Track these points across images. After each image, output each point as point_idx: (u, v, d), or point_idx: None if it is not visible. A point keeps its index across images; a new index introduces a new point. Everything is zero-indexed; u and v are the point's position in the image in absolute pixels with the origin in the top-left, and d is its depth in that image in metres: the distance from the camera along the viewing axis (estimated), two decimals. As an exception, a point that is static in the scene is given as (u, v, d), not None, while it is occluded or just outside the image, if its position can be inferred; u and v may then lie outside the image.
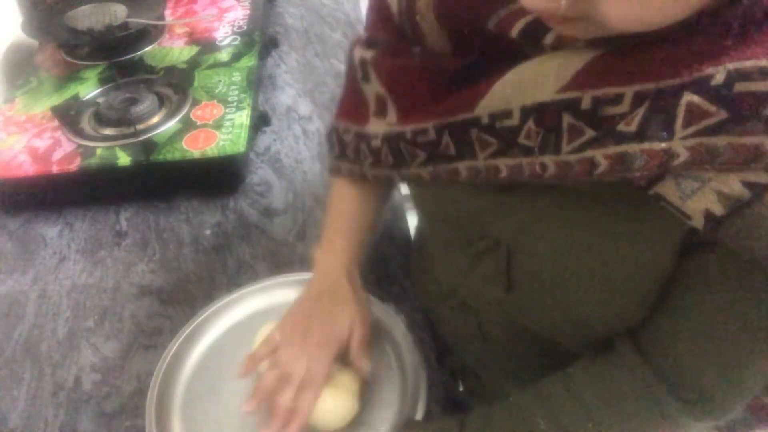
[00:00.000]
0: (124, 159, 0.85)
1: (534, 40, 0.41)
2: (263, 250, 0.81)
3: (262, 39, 1.09)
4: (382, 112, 0.57)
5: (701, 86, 0.34)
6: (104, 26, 1.03)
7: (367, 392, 0.62)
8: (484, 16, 0.43)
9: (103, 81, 1.01)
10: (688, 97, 0.35)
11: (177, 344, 0.67)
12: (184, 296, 0.76)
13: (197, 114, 0.91)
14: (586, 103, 0.38)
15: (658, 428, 0.48)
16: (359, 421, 0.61)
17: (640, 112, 0.36)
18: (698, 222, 0.38)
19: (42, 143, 0.89)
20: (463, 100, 0.46)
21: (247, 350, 0.63)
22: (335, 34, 1.24)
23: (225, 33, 1.10)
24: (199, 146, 0.85)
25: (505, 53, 0.43)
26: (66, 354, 0.71)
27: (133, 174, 0.86)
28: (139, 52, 1.06)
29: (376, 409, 0.62)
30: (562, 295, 0.48)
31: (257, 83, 1.00)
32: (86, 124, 0.92)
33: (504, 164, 0.45)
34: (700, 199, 0.37)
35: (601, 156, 0.39)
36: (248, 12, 1.16)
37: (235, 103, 0.92)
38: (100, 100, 0.95)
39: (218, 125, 0.89)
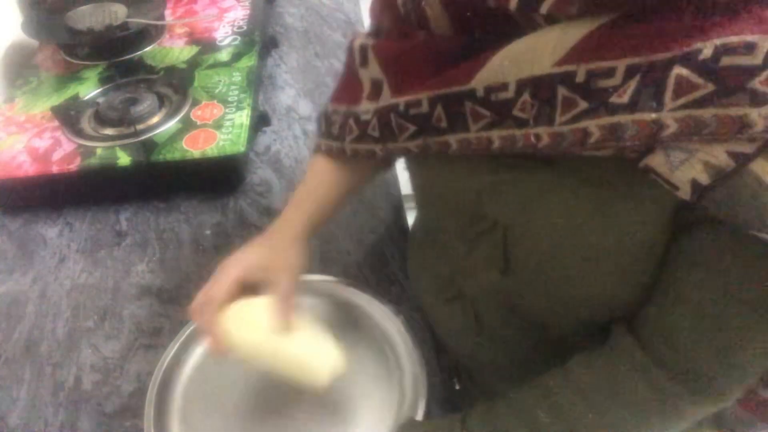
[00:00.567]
0: (124, 159, 0.85)
1: (531, 9, 0.42)
2: (263, 250, 0.81)
3: (262, 39, 1.09)
4: (375, 95, 0.57)
5: (690, 60, 0.36)
6: (104, 26, 1.03)
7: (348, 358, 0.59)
8: None
9: (103, 81, 1.01)
10: (678, 70, 0.36)
11: (177, 345, 0.67)
12: (184, 296, 0.76)
13: (197, 114, 0.91)
14: (580, 76, 0.40)
15: (661, 417, 0.48)
16: (359, 421, 0.61)
17: (632, 84, 0.38)
18: (685, 192, 0.39)
19: (42, 143, 0.89)
20: (460, 72, 0.47)
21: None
22: (335, 34, 1.24)
23: (225, 33, 1.10)
24: (199, 146, 0.85)
25: (505, 34, 0.44)
26: (66, 354, 0.71)
27: (133, 174, 0.86)
28: (139, 52, 1.06)
29: (377, 409, 0.62)
30: (558, 275, 0.49)
31: (257, 83, 1.00)
32: (86, 124, 0.92)
33: (497, 135, 0.46)
34: (687, 170, 0.38)
35: (594, 126, 0.40)
36: (248, 12, 1.16)
37: (235, 103, 0.93)
38: (100, 100, 0.95)
39: (218, 125, 0.89)
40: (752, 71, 0.34)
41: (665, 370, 0.47)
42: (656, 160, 0.40)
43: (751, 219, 0.38)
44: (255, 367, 0.59)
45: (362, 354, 0.66)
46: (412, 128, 0.53)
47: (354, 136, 0.60)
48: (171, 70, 1.02)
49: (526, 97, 0.43)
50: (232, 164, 0.87)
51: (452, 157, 0.52)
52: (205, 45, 1.07)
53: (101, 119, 0.91)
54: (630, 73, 0.38)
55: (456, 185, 0.55)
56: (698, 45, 0.35)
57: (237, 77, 0.98)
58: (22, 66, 1.13)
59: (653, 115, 0.37)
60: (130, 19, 1.05)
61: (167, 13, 1.17)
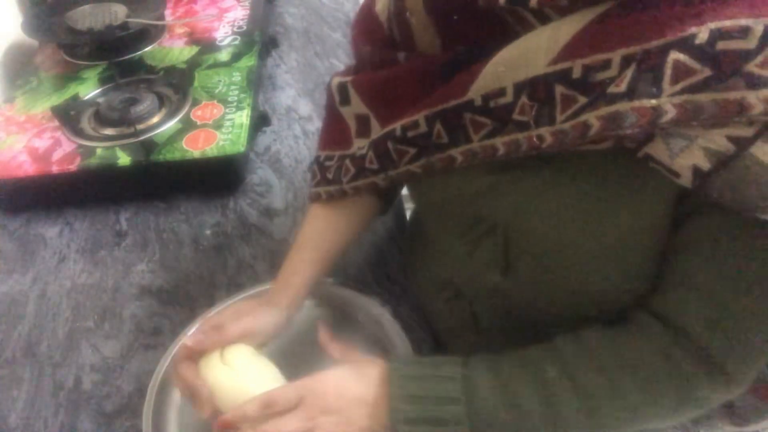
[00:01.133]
0: (124, 159, 0.85)
1: (520, 4, 0.42)
2: (263, 250, 0.81)
3: (262, 39, 1.09)
4: (365, 131, 0.58)
5: (686, 45, 0.36)
6: (104, 26, 1.03)
7: None
8: None
9: (103, 81, 1.01)
10: (674, 55, 0.36)
11: (176, 346, 0.67)
12: (184, 296, 0.76)
13: (197, 114, 0.91)
14: (576, 72, 0.40)
15: (674, 395, 0.48)
16: None
17: (628, 73, 0.38)
18: (686, 178, 0.39)
19: (42, 143, 0.89)
20: (455, 86, 0.47)
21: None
22: (335, 34, 1.24)
23: (225, 33, 1.10)
24: (199, 146, 0.85)
25: (495, 36, 0.45)
26: (66, 354, 0.71)
27: (133, 174, 0.86)
28: (139, 52, 1.06)
29: None
30: (560, 273, 0.49)
31: (257, 83, 1.00)
32: (86, 124, 0.92)
33: (501, 142, 0.46)
34: (688, 156, 0.39)
35: (593, 118, 0.40)
36: (248, 12, 1.16)
37: (235, 103, 0.92)
38: (100, 100, 0.95)
39: (218, 125, 0.89)
40: (748, 54, 0.35)
41: (682, 350, 0.47)
42: (656, 148, 0.40)
43: (754, 202, 0.38)
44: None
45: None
46: (412, 151, 0.53)
47: (351, 175, 0.60)
48: (171, 70, 1.02)
49: (524, 99, 0.43)
50: (232, 164, 0.87)
51: (452, 167, 0.51)
52: (205, 45, 1.07)
53: (101, 119, 0.91)
54: (626, 62, 0.38)
55: (454, 189, 0.55)
56: (693, 29, 0.36)
57: (237, 77, 0.98)
58: (22, 66, 1.13)
59: (653, 101, 0.37)
60: (130, 19, 1.05)
61: (167, 13, 1.17)
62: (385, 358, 0.55)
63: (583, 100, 0.40)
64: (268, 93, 1.08)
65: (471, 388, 0.49)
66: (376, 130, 0.56)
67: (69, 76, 1.04)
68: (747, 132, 0.36)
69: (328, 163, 0.64)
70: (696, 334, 0.46)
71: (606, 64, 0.39)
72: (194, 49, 1.06)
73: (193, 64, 1.03)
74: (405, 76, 0.52)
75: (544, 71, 0.42)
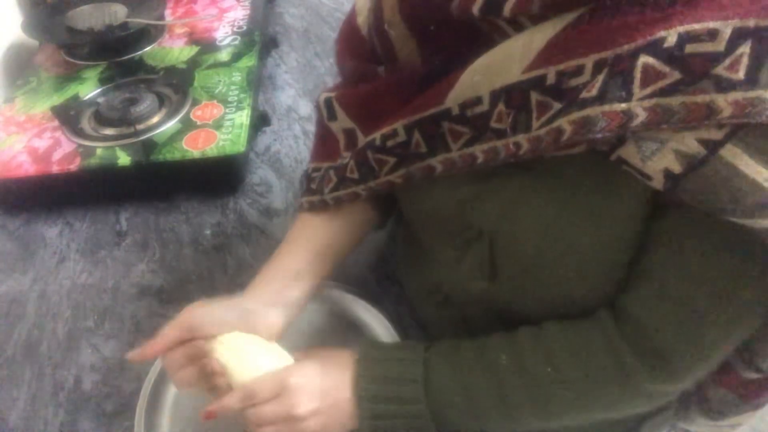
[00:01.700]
0: (124, 159, 0.85)
1: (494, 13, 0.43)
2: (263, 250, 0.81)
3: (262, 39, 1.09)
4: (352, 145, 0.58)
5: (655, 49, 0.36)
6: (104, 26, 1.03)
7: None
8: (446, 2, 0.45)
9: (103, 81, 1.01)
10: (644, 59, 0.37)
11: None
12: (184, 296, 0.76)
13: (197, 114, 0.91)
14: (550, 79, 0.41)
15: (620, 389, 0.49)
16: None
17: (600, 78, 0.38)
18: (658, 182, 0.40)
19: (42, 143, 0.89)
20: (432, 95, 0.48)
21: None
22: (335, 34, 1.24)
23: (225, 33, 1.10)
24: (199, 146, 0.85)
25: (472, 45, 0.45)
26: (66, 354, 0.71)
27: (133, 174, 0.86)
28: (139, 52, 1.07)
29: None
30: (544, 277, 0.49)
31: (257, 83, 1.00)
32: (86, 124, 0.92)
33: (479, 150, 0.47)
34: (659, 159, 0.39)
35: (566, 123, 0.40)
36: (248, 12, 1.16)
37: (235, 103, 0.93)
38: (100, 100, 0.95)
39: (218, 125, 0.89)
40: (716, 58, 0.35)
41: (629, 346, 0.48)
42: (628, 152, 0.40)
43: (724, 205, 0.38)
44: None
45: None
46: (392, 161, 0.54)
47: (332, 185, 0.60)
48: (171, 70, 1.02)
49: (500, 107, 0.44)
50: (232, 164, 0.87)
51: (432, 176, 0.52)
52: (205, 45, 1.07)
53: (101, 119, 0.91)
54: (598, 67, 0.38)
55: (437, 199, 0.55)
56: (662, 33, 0.36)
57: (237, 77, 0.98)
58: (22, 66, 1.13)
59: (623, 105, 0.38)
60: (130, 19, 1.05)
61: (167, 13, 1.17)
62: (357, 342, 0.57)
63: (557, 106, 0.41)
64: (268, 93, 1.08)
65: (429, 371, 0.53)
66: (361, 142, 0.56)
67: (69, 76, 1.04)
68: (717, 135, 0.36)
69: (315, 174, 0.64)
70: (650, 328, 0.46)
71: (579, 70, 0.39)
72: (194, 49, 1.06)
73: (193, 64, 1.03)
74: (386, 89, 0.53)
75: (519, 78, 0.42)
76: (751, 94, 0.34)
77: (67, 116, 0.92)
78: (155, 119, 0.91)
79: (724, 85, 0.35)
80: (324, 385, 0.53)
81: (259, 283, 0.60)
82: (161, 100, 0.94)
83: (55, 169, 0.84)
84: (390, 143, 0.52)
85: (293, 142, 0.98)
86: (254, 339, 0.56)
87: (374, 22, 0.54)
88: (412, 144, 0.51)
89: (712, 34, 0.35)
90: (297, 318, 0.60)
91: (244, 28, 1.11)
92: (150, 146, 0.86)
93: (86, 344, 0.72)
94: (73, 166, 0.84)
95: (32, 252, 0.84)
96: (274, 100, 1.07)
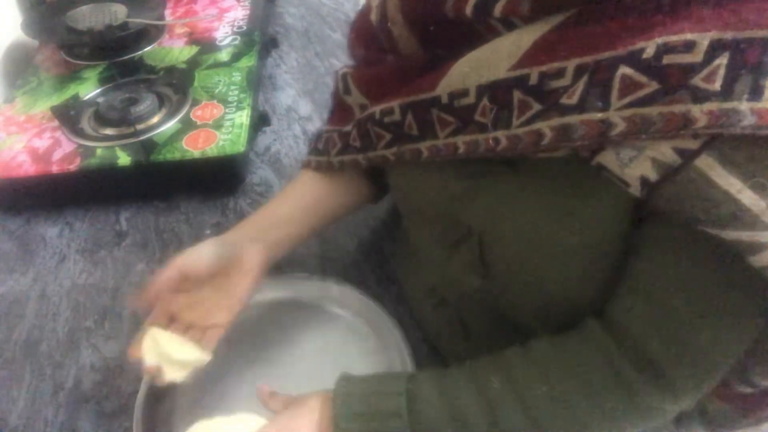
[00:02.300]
0: (124, 159, 0.85)
1: (486, 14, 0.44)
2: (263, 250, 0.81)
3: (262, 39, 1.09)
4: None
5: (634, 59, 0.37)
6: (104, 26, 1.03)
7: None
8: (442, 3, 0.47)
9: (103, 81, 1.01)
10: (623, 70, 0.37)
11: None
12: (184, 296, 0.76)
13: (197, 114, 0.91)
14: (533, 79, 0.41)
15: (615, 403, 0.47)
16: None
17: (581, 85, 0.39)
18: (635, 188, 0.40)
19: (42, 143, 0.89)
20: (425, 81, 0.50)
21: (242, 354, 0.64)
22: (335, 34, 1.24)
23: (225, 33, 1.10)
24: (199, 146, 0.85)
25: (468, 43, 0.46)
26: (66, 354, 0.71)
27: (133, 174, 0.86)
28: (139, 52, 1.07)
29: None
30: (533, 276, 0.49)
31: (257, 83, 1.00)
32: (86, 124, 0.92)
33: (462, 141, 0.48)
34: (636, 166, 0.39)
35: (546, 127, 0.41)
36: (248, 12, 1.16)
37: (235, 103, 0.93)
38: (100, 100, 0.95)
39: (218, 125, 0.89)
40: (693, 68, 0.35)
41: (625, 356, 0.46)
42: (607, 158, 0.41)
43: (698, 214, 0.38)
44: None
45: (353, 357, 0.66)
46: (387, 136, 0.55)
47: (338, 149, 0.63)
48: (171, 70, 1.02)
49: (485, 102, 0.45)
50: (232, 164, 0.87)
51: (425, 166, 0.53)
52: (205, 45, 1.07)
53: (101, 119, 0.91)
54: (579, 72, 0.39)
55: (430, 194, 0.56)
56: (641, 44, 0.37)
57: (237, 77, 0.98)
58: (22, 66, 1.13)
59: (600, 115, 0.38)
60: (130, 19, 1.05)
61: (167, 13, 1.17)
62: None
63: (537, 107, 0.42)
64: (268, 93, 1.08)
65: (414, 403, 0.50)
66: None
67: (69, 76, 1.04)
68: (693, 144, 0.37)
69: (324, 136, 0.67)
70: (639, 339, 0.45)
71: (560, 73, 0.40)
72: (194, 49, 1.06)
73: (193, 64, 1.03)
74: (390, 71, 0.56)
75: (505, 76, 0.43)
76: (727, 105, 0.35)
77: (67, 116, 0.92)
78: (155, 119, 0.91)
79: (700, 96, 0.35)
80: (302, 425, 0.51)
81: (246, 222, 0.64)
82: (161, 100, 0.94)
83: (55, 169, 0.84)
84: (387, 119, 0.54)
85: (293, 142, 0.98)
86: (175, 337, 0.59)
87: (380, 19, 0.55)
88: (405, 125, 0.53)
89: (689, 46, 0.35)
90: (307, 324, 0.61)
91: (244, 28, 1.11)
92: (150, 146, 0.86)
93: (86, 344, 0.72)
94: (73, 166, 0.84)
95: (32, 252, 0.84)
96: (274, 100, 1.07)
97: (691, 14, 0.36)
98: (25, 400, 0.67)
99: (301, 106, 1.05)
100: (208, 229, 0.85)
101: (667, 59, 0.36)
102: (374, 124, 0.56)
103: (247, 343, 0.67)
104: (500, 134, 0.44)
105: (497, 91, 0.44)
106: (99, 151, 0.86)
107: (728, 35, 0.35)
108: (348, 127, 0.61)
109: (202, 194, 0.89)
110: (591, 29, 0.39)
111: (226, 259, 0.59)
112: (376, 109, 0.55)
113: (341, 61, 1.16)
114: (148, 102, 0.91)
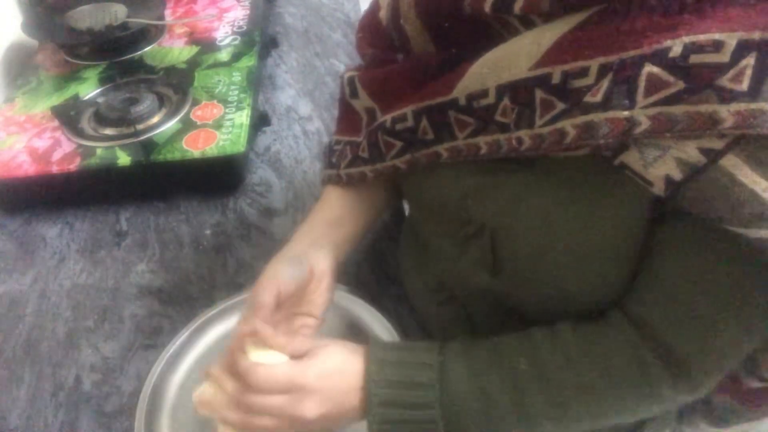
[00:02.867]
0: (124, 159, 0.85)
1: (505, 11, 0.43)
2: (263, 250, 0.81)
3: (262, 39, 1.09)
4: (373, 123, 0.59)
5: (660, 58, 0.37)
6: (104, 26, 1.03)
7: None
8: (459, 1, 0.46)
9: (103, 81, 1.01)
10: (649, 68, 0.37)
11: (174, 347, 0.67)
12: (184, 296, 0.76)
13: (197, 114, 0.91)
14: (556, 78, 0.41)
15: (637, 392, 0.48)
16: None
17: (605, 83, 0.39)
18: (659, 188, 0.40)
19: (42, 143, 0.89)
20: (441, 84, 0.49)
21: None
22: (335, 34, 1.24)
23: (225, 33, 1.10)
24: (199, 146, 0.85)
25: (483, 41, 0.46)
26: (66, 354, 0.71)
27: (133, 174, 0.86)
28: (139, 52, 1.07)
29: None
30: (546, 274, 0.50)
31: (257, 83, 1.00)
32: (86, 124, 0.92)
33: (483, 141, 0.48)
34: (660, 166, 0.39)
35: (569, 126, 0.41)
36: (248, 12, 1.16)
37: (235, 103, 0.93)
38: (100, 100, 0.95)
39: (218, 125, 0.89)
40: (720, 68, 0.35)
41: (649, 348, 0.47)
42: (630, 158, 0.41)
43: (722, 213, 0.38)
44: None
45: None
46: (398, 144, 0.55)
47: (347, 161, 0.63)
48: (171, 70, 1.02)
49: (506, 101, 0.45)
50: (232, 164, 0.87)
51: (437, 163, 0.53)
52: (205, 45, 1.07)
53: (101, 119, 0.91)
54: (603, 71, 0.39)
55: (442, 190, 0.56)
56: (668, 43, 0.36)
57: (237, 77, 0.98)
58: (22, 66, 1.13)
59: (625, 113, 0.38)
60: (130, 19, 1.05)
61: (167, 13, 1.17)
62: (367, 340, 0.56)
63: (561, 106, 0.41)
64: (268, 93, 1.08)
65: (445, 375, 0.51)
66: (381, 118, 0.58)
67: (69, 76, 1.04)
68: (718, 144, 0.37)
69: (336, 148, 0.67)
70: (662, 334, 0.46)
71: (584, 72, 0.40)
72: (194, 49, 1.06)
73: (193, 64, 1.03)
74: (401, 73, 0.55)
75: (525, 75, 0.43)
76: (754, 105, 0.35)
77: (67, 116, 0.92)
78: (155, 119, 0.91)
79: (726, 96, 0.35)
80: (336, 387, 0.52)
81: (299, 236, 0.63)
82: (161, 100, 0.94)
83: (55, 169, 0.84)
84: (399, 127, 0.53)
85: (293, 142, 0.98)
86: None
87: (392, 17, 0.55)
88: (419, 130, 0.52)
89: (717, 46, 0.35)
90: None
91: (244, 28, 1.11)
92: (150, 146, 0.86)
93: (86, 344, 0.72)
94: (73, 166, 0.84)
95: (32, 252, 0.84)
96: (274, 100, 1.07)
97: (717, 14, 0.36)
98: (25, 400, 0.67)
99: (301, 106, 1.05)
100: (208, 229, 0.85)
101: (694, 58, 0.36)
102: (384, 133, 0.55)
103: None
104: (523, 134, 0.44)
105: (518, 91, 0.44)
106: (99, 151, 0.86)
107: (756, 35, 0.35)
108: (359, 138, 0.60)
109: (202, 194, 0.89)
110: (615, 27, 0.39)
111: (303, 272, 0.59)
112: (387, 117, 0.54)
113: (341, 60, 1.16)
114: (148, 102, 0.91)
